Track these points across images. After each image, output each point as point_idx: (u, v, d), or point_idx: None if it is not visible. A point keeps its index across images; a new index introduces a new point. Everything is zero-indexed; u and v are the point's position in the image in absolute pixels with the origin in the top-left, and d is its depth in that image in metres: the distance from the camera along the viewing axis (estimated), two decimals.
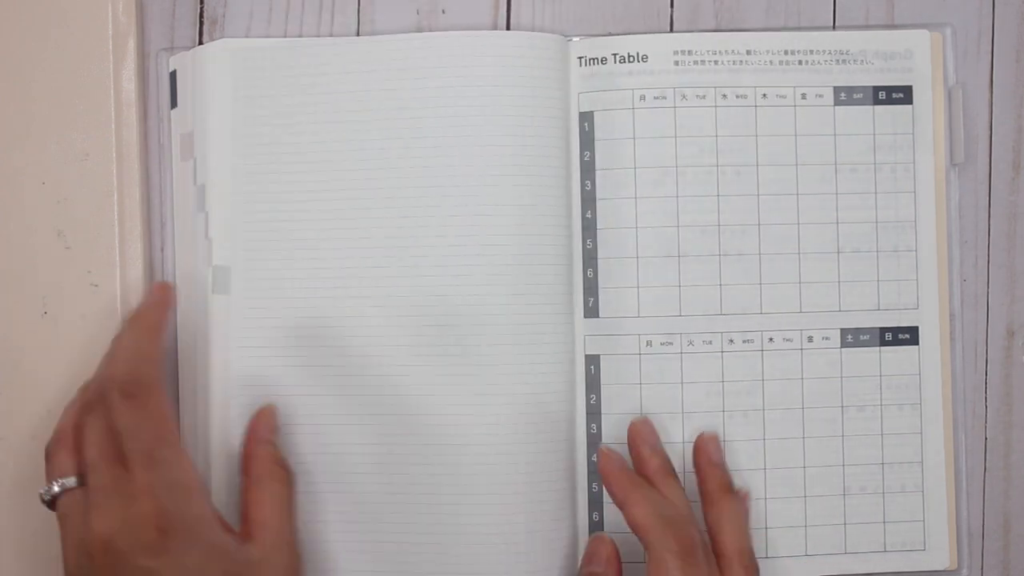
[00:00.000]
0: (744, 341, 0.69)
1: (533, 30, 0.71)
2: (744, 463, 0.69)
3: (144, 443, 0.59)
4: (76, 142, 0.69)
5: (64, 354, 0.69)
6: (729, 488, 0.67)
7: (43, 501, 0.61)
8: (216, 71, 0.69)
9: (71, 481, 0.60)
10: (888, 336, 0.69)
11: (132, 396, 0.60)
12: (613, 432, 0.69)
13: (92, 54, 0.69)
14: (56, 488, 0.60)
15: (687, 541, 0.63)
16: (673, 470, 0.67)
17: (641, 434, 0.68)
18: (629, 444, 0.68)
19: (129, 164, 0.69)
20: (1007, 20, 0.71)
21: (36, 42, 0.69)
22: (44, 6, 0.69)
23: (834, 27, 0.70)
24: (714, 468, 0.68)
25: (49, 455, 0.62)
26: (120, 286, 0.69)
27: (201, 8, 0.71)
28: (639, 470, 0.67)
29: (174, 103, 0.70)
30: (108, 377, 0.62)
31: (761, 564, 0.68)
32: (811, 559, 0.70)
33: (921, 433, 0.70)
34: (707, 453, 0.68)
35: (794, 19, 0.70)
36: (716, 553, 0.64)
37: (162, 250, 0.70)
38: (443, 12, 0.71)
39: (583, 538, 0.69)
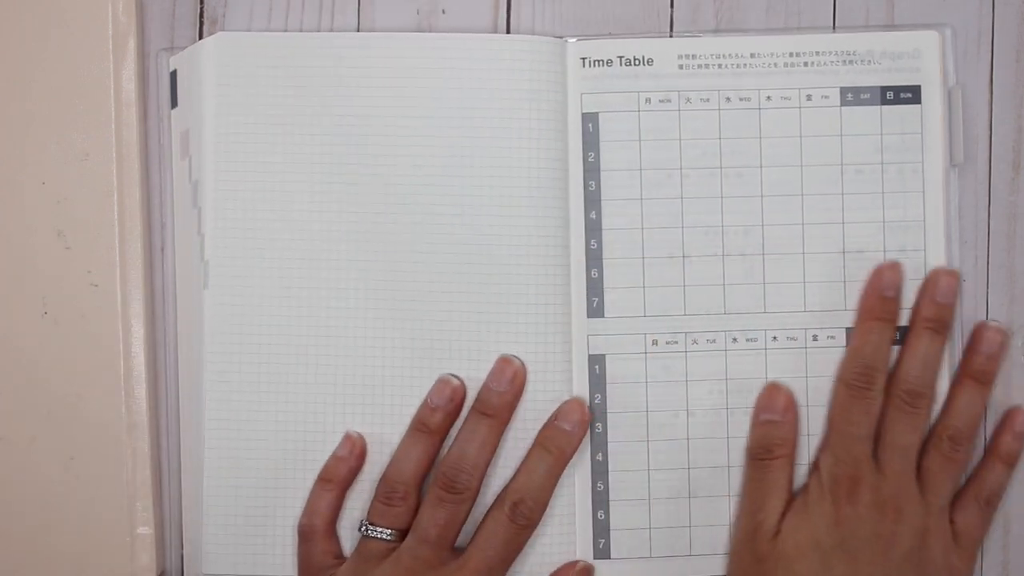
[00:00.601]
0: (748, 340, 0.69)
1: (533, 30, 0.71)
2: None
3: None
4: (76, 142, 0.69)
5: (64, 354, 0.69)
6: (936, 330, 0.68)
7: (360, 527, 0.67)
8: (210, 66, 0.69)
9: (387, 534, 0.66)
10: (897, 335, 0.69)
11: (517, 519, 0.65)
12: (619, 431, 0.69)
13: (92, 54, 0.69)
14: (374, 534, 0.66)
15: (863, 379, 0.67)
16: (944, 329, 0.68)
17: (939, 284, 0.69)
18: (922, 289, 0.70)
19: (129, 164, 0.69)
20: (1007, 20, 0.71)
21: (36, 42, 0.69)
22: (44, 6, 0.68)
23: (834, 27, 0.70)
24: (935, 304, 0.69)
25: (388, 497, 0.66)
26: (120, 286, 0.69)
27: (201, 8, 0.71)
28: (914, 311, 0.69)
29: (174, 103, 0.70)
30: (519, 485, 0.67)
31: None
32: None
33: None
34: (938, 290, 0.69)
35: (794, 19, 0.70)
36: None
37: (162, 250, 0.70)
38: (443, 12, 0.71)
39: (586, 534, 0.69)
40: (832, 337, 0.69)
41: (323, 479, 0.68)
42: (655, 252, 0.69)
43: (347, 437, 0.68)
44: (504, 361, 0.67)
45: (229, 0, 0.70)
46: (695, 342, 0.69)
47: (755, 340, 0.69)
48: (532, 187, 0.68)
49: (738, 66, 0.69)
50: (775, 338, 0.69)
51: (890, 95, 0.69)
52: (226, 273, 0.69)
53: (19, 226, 0.69)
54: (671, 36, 0.70)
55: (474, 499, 0.66)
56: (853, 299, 0.69)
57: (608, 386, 0.69)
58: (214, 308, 0.69)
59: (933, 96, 0.70)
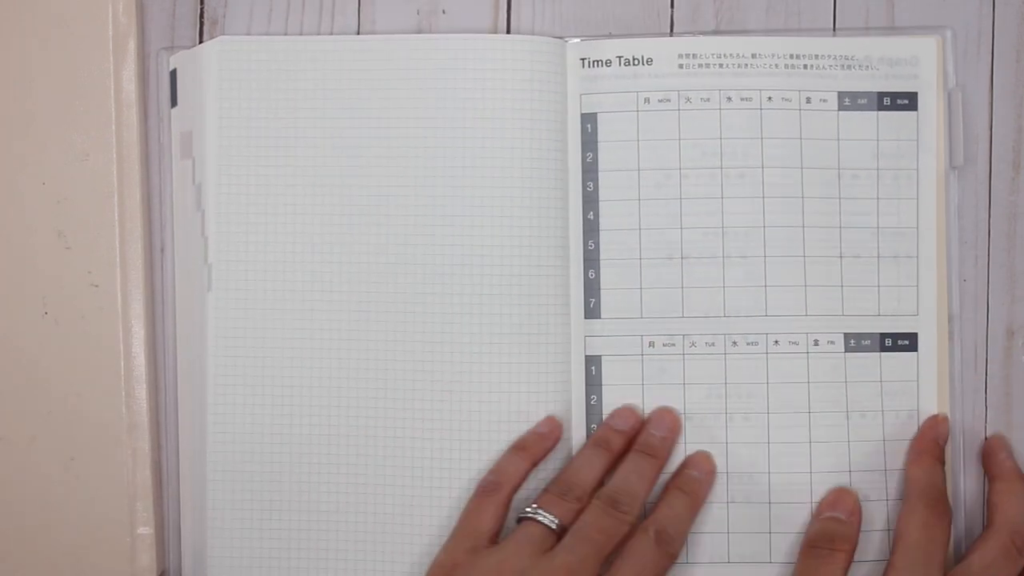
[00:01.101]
0: (748, 344, 0.69)
1: (533, 30, 0.71)
2: (745, 466, 0.69)
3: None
4: (76, 142, 0.69)
5: (64, 354, 0.69)
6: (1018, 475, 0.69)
7: (524, 511, 0.66)
8: (212, 70, 0.69)
9: (552, 521, 0.64)
10: (888, 342, 0.69)
11: (662, 546, 0.64)
12: None
13: (92, 54, 0.69)
14: (541, 517, 0.65)
15: (943, 505, 0.67)
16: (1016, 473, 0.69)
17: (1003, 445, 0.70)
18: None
19: (129, 164, 0.69)
20: (1007, 20, 0.71)
21: (36, 42, 0.69)
22: (44, 6, 0.69)
23: (834, 27, 0.70)
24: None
25: (563, 492, 0.66)
26: (120, 286, 0.69)
27: (201, 8, 0.71)
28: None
29: (174, 102, 0.70)
30: (661, 516, 0.66)
31: (764, 568, 0.68)
32: None
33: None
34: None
35: (794, 19, 0.70)
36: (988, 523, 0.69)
37: (162, 250, 0.70)
38: (443, 12, 0.71)
39: None
40: (832, 343, 0.69)
41: (517, 447, 0.68)
42: (653, 253, 0.69)
43: (549, 417, 0.69)
44: (664, 411, 0.69)
45: (229, 1, 0.70)
46: (693, 344, 0.69)
47: (756, 344, 0.69)
48: (531, 187, 0.68)
49: (739, 66, 0.69)
50: (776, 342, 0.69)
51: (887, 101, 0.69)
52: (230, 276, 0.69)
53: (19, 226, 0.69)
54: (671, 35, 0.70)
55: (630, 526, 0.65)
56: (850, 305, 0.69)
57: (604, 387, 0.69)
58: (218, 311, 0.69)
59: (929, 103, 0.70)
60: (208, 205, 0.69)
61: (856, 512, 0.68)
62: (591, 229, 0.69)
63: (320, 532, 0.69)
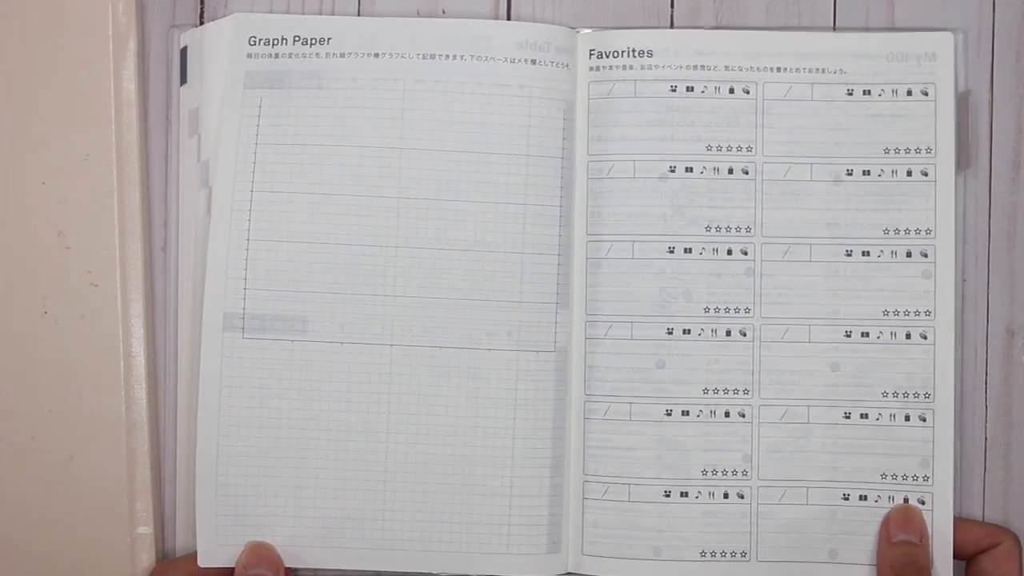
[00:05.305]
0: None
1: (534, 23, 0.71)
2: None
3: None
4: (76, 142, 0.69)
5: (64, 354, 0.69)
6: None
7: None
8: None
9: None
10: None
11: None
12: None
13: (92, 54, 0.69)
14: None
15: None
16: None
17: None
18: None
19: (129, 164, 0.69)
20: (1008, 21, 0.71)
21: (36, 42, 0.69)
22: (44, 6, 0.69)
23: (834, 26, 0.70)
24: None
25: None
26: (120, 286, 0.69)
27: (202, 6, 0.71)
28: None
29: (184, 79, 0.70)
30: None
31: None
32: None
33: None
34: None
35: (794, 18, 0.70)
36: None
37: (163, 250, 0.70)
38: (443, 13, 0.71)
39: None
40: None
41: None
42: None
43: None
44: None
45: None
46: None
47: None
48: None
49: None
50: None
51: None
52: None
53: (19, 226, 0.69)
54: (672, 28, 0.71)
55: None
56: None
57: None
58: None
59: (946, 99, 0.69)
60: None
61: (927, 535, 0.68)
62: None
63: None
